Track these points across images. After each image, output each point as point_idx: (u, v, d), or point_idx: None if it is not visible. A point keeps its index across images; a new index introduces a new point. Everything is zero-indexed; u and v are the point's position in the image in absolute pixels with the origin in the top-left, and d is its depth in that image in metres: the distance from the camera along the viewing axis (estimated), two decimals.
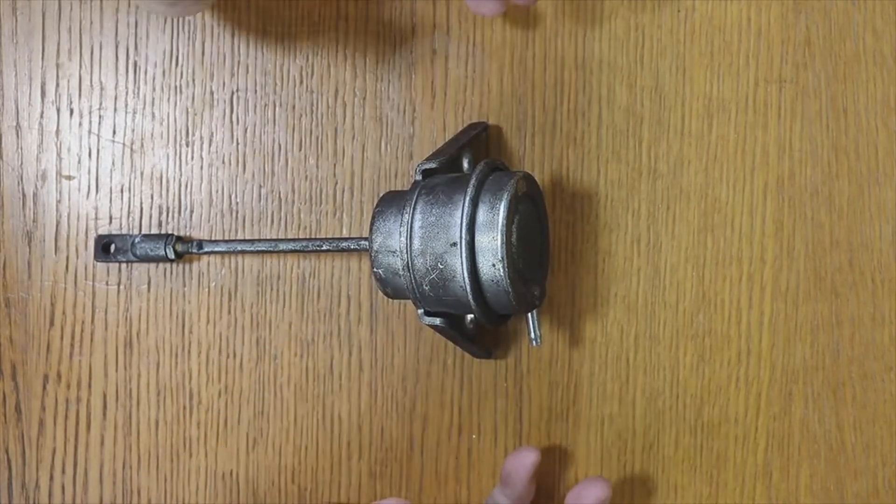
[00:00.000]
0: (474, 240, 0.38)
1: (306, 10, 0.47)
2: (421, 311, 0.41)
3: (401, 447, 0.47)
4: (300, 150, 0.47)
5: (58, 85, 0.47)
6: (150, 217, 0.47)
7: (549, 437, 0.47)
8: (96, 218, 0.47)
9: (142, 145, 0.47)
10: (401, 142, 0.47)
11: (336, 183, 0.47)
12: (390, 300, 0.47)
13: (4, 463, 0.47)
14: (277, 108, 0.47)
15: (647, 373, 0.47)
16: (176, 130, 0.47)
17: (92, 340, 0.47)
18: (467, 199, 0.38)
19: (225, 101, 0.47)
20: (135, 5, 0.46)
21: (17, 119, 0.47)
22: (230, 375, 0.47)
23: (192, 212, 0.47)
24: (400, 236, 0.39)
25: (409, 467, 0.47)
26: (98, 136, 0.47)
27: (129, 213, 0.47)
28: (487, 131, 0.47)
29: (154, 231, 0.47)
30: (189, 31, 0.47)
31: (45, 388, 0.47)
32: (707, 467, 0.46)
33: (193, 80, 0.47)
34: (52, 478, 0.47)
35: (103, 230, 0.47)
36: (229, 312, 0.47)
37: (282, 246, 0.44)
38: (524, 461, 0.42)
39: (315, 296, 0.47)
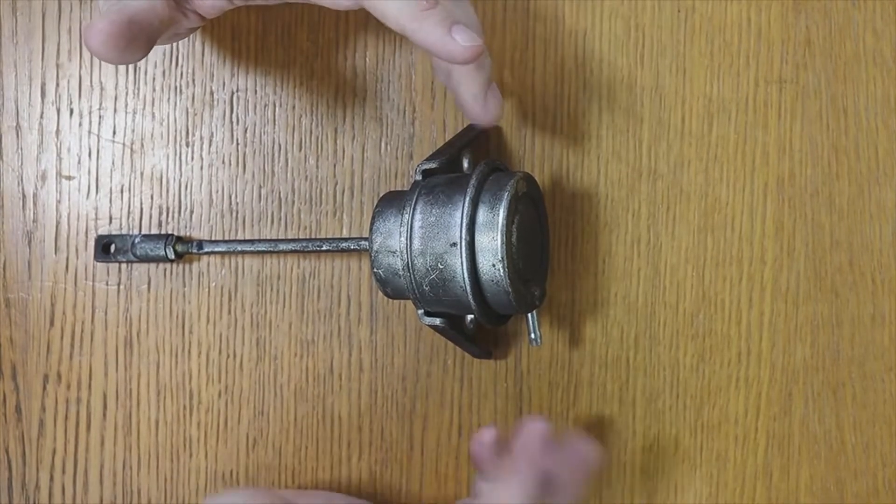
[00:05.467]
0: (474, 240, 0.38)
1: (306, 10, 0.47)
2: (421, 311, 0.41)
3: (401, 447, 0.47)
4: (300, 150, 0.47)
5: (58, 85, 0.47)
6: (150, 217, 0.47)
7: None
8: (96, 218, 0.47)
9: (142, 145, 0.47)
10: (401, 142, 0.47)
11: (336, 183, 0.47)
12: (390, 300, 0.47)
13: (4, 463, 0.47)
14: (277, 108, 0.47)
15: (647, 373, 0.47)
16: (176, 130, 0.47)
17: (92, 340, 0.47)
18: (467, 199, 0.38)
19: (225, 101, 0.47)
20: None
21: (17, 119, 0.47)
22: (230, 376, 0.47)
23: (192, 212, 0.47)
24: (400, 236, 0.39)
25: (409, 467, 0.47)
26: (98, 136, 0.47)
27: (129, 213, 0.47)
28: (487, 131, 0.47)
29: (154, 231, 0.47)
30: None
31: (45, 388, 0.47)
32: (707, 467, 0.46)
33: (193, 80, 0.47)
34: (52, 478, 0.47)
35: (103, 230, 0.47)
36: (229, 312, 0.47)
37: (282, 246, 0.44)
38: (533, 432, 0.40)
39: (315, 296, 0.47)
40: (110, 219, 0.47)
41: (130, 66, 0.47)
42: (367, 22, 0.47)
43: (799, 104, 0.46)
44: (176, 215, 0.47)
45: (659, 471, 0.47)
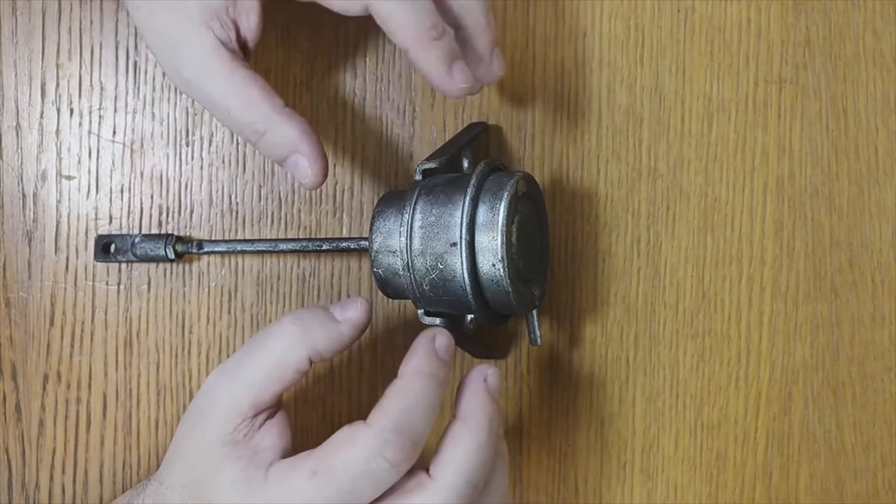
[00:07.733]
0: (474, 240, 0.38)
1: (306, 10, 0.47)
2: (421, 311, 0.41)
3: None
4: None
5: (58, 85, 0.47)
6: (150, 217, 0.47)
7: (549, 437, 0.47)
8: (96, 218, 0.47)
9: (142, 145, 0.47)
10: (401, 142, 0.47)
11: (336, 183, 0.47)
12: (390, 300, 0.47)
13: (4, 463, 0.47)
14: None
15: (647, 373, 0.47)
16: (176, 130, 0.47)
17: (92, 340, 0.47)
18: (467, 199, 0.38)
19: None
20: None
21: (17, 119, 0.47)
22: None
23: (192, 212, 0.47)
24: (400, 236, 0.39)
25: None
26: (98, 136, 0.47)
27: (129, 213, 0.47)
28: (487, 131, 0.47)
29: (154, 231, 0.47)
30: None
31: (45, 388, 0.47)
32: (707, 467, 0.46)
33: None
34: (52, 478, 0.47)
35: (103, 230, 0.47)
36: (229, 312, 0.47)
37: (282, 246, 0.44)
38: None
39: (315, 296, 0.47)
40: (110, 219, 0.47)
41: (130, 66, 0.47)
42: (367, 23, 0.46)
43: (799, 104, 0.46)
44: (176, 215, 0.47)
45: (659, 471, 0.47)
